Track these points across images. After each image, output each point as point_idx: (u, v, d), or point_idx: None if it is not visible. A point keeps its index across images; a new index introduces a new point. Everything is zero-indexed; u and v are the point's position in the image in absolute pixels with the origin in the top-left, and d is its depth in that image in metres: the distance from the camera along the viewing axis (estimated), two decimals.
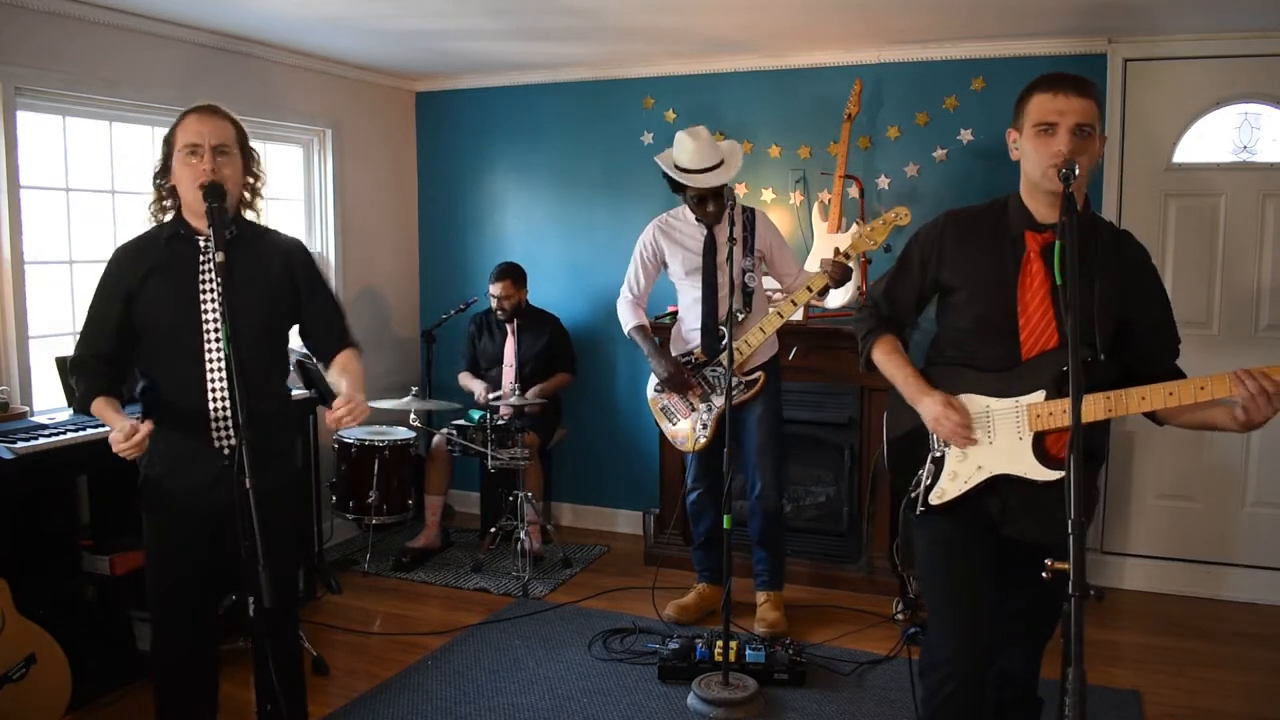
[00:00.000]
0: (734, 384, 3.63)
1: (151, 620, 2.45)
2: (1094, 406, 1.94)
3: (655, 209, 4.15)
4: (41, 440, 3.03)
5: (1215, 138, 4.10)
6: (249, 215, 2.44)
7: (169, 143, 2.31)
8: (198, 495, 2.31)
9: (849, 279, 3.48)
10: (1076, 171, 1.91)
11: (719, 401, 3.68)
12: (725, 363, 3.34)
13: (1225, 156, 4.09)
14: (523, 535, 4.35)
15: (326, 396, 3.42)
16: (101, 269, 2.37)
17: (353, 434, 4.47)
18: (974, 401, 2.13)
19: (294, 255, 2.48)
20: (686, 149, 3.62)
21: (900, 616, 3.85)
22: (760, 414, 3.73)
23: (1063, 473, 1.99)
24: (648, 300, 3.95)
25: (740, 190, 4.63)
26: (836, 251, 3.43)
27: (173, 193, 2.33)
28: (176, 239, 2.33)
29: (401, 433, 4.58)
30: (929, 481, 2.19)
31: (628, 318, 3.86)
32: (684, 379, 3.74)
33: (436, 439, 4.69)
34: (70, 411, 3.35)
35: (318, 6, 3.68)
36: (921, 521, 2.21)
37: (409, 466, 4.55)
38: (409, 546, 4.61)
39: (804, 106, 4.58)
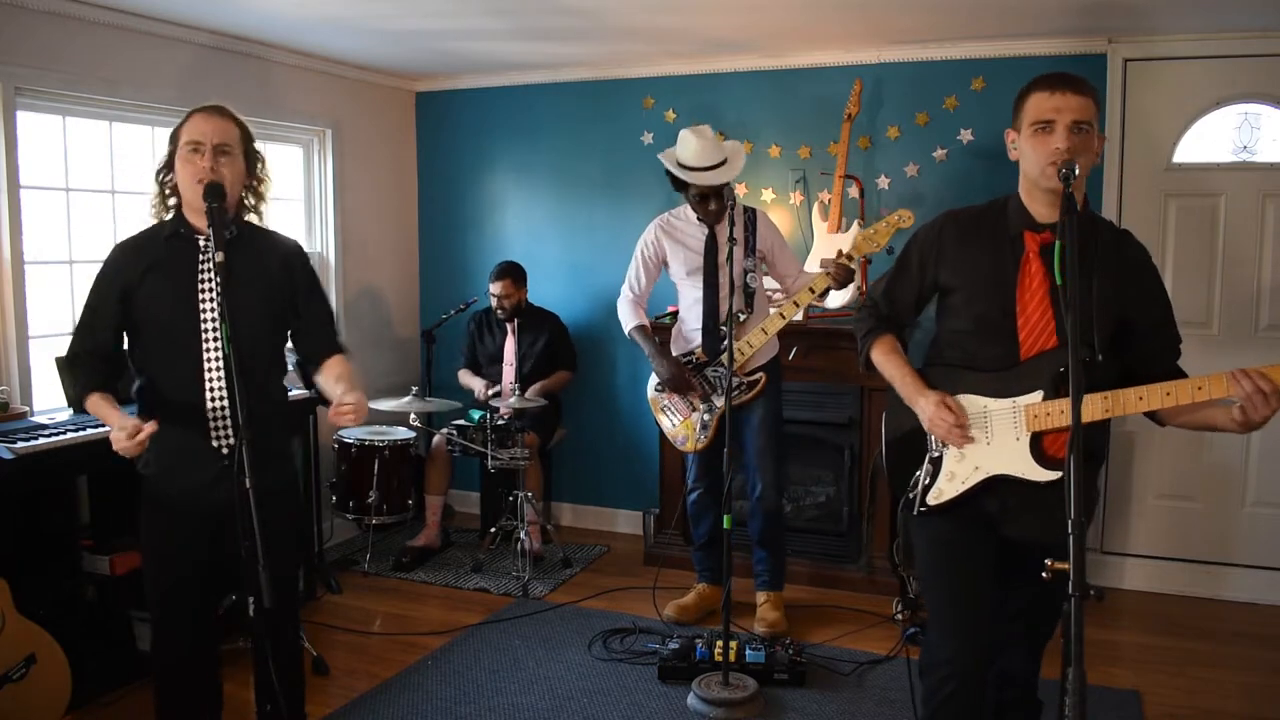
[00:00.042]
0: (735, 384, 3.63)
1: (151, 620, 2.45)
2: (1092, 407, 1.94)
3: (655, 209, 4.15)
4: (41, 440, 3.03)
5: (1215, 138, 4.10)
6: (252, 218, 2.45)
7: (174, 140, 2.32)
8: (198, 495, 2.31)
9: (851, 280, 3.48)
10: (1076, 171, 1.91)
11: (720, 402, 3.68)
12: (726, 363, 3.33)
13: (1225, 156, 4.09)
14: (523, 535, 4.35)
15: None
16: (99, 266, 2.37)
17: (353, 434, 4.47)
18: (972, 402, 2.13)
19: (293, 257, 2.49)
20: (690, 146, 3.62)
21: (900, 616, 3.85)
22: (761, 414, 3.73)
23: (1060, 473, 2.00)
24: (648, 300, 3.95)
25: (740, 190, 4.64)
26: (839, 253, 3.42)
27: (175, 190, 2.34)
28: (176, 238, 2.33)
29: (401, 433, 4.58)
30: (927, 481, 2.19)
31: (628, 318, 3.86)
32: (685, 380, 3.74)
33: (436, 439, 4.69)
34: (70, 411, 3.35)
35: (318, 6, 3.68)
36: (922, 522, 2.21)
37: (409, 466, 4.55)
38: (409, 545, 4.61)
39: (804, 106, 4.58)
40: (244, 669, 2.67)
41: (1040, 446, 2.05)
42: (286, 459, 2.57)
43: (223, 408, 2.30)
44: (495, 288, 4.71)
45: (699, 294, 3.74)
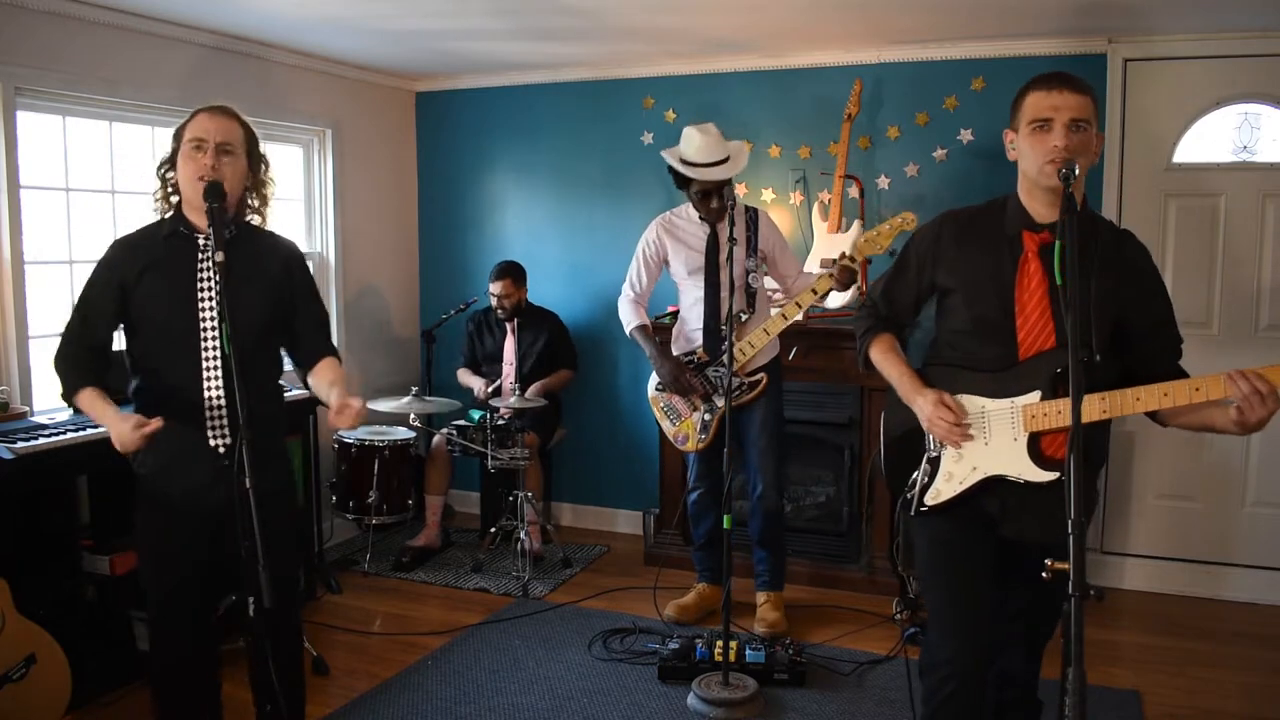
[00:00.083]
0: (737, 384, 3.64)
1: (150, 620, 2.44)
2: (1090, 408, 1.93)
3: (655, 209, 4.15)
4: (41, 440, 3.03)
5: (1215, 138, 4.10)
6: (255, 220, 2.45)
7: (178, 137, 2.33)
8: (197, 495, 2.30)
9: (854, 282, 3.49)
10: (1076, 171, 1.91)
11: (721, 402, 3.67)
12: (726, 363, 3.33)
13: (1225, 156, 4.09)
14: (523, 535, 4.35)
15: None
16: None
17: (353, 434, 4.47)
18: (970, 402, 2.13)
19: (292, 259, 2.50)
20: (694, 142, 3.63)
21: (900, 616, 3.84)
22: (762, 415, 3.73)
23: (1057, 474, 2.00)
24: (649, 300, 3.95)
25: (740, 190, 4.63)
26: (842, 255, 3.42)
27: (177, 187, 2.34)
28: (175, 236, 2.33)
29: (401, 433, 4.58)
30: (925, 481, 2.19)
31: (629, 317, 3.86)
32: (686, 382, 3.73)
33: (436, 439, 4.69)
34: (70, 411, 3.35)
35: (318, 6, 3.68)
36: (921, 522, 2.21)
37: (409, 466, 4.55)
38: (409, 545, 4.61)
39: (804, 106, 4.58)
40: (245, 669, 2.66)
41: (1038, 447, 2.05)
42: (284, 459, 2.58)
43: (220, 407, 2.30)
44: (495, 287, 4.71)
45: (700, 294, 3.74)
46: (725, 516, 3.23)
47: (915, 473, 2.22)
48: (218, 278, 2.13)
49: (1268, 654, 3.62)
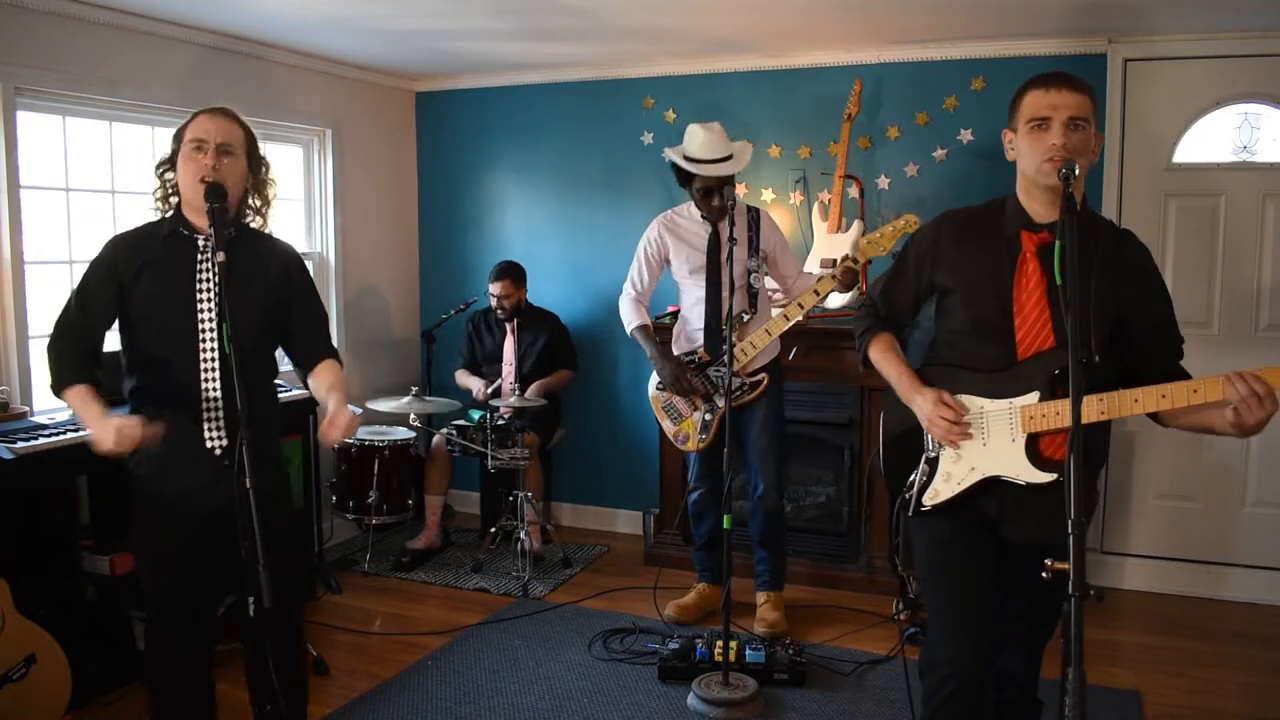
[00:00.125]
0: (738, 385, 3.64)
1: (148, 620, 2.43)
2: (1088, 409, 1.93)
3: (655, 209, 4.15)
4: (41, 440, 3.03)
5: (1215, 138, 4.10)
6: (256, 223, 2.45)
7: (178, 138, 2.33)
8: (195, 495, 2.30)
9: (856, 283, 3.49)
10: (1076, 171, 1.91)
11: (722, 402, 3.67)
12: (728, 364, 3.33)
13: (1225, 156, 4.09)
14: (523, 535, 4.35)
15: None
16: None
17: (353, 434, 4.47)
18: (968, 402, 2.13)
19: (291, 261, 2.50)
20: (698, 139, 3.63)
21: (900, 616, 3.84)
22: (763, 415, 3.73)
23: (1054, 475, 2.00)
24: (650, 299, 3.94)
25: (741, 190, 4.63)
26: (845, 257, 3.42)
27: (176, 188, 2.34)
28: (175, 236, 2.33)
29: (401, 433, 4.58)
30: (923, 481, 2.19)
31: (630, 317, 3.85)
32: (687, 382, 3.73)
33: (436, 439, 4.69)
34: (70, 412, 3.35)
35: (318, 6, 3.68)
36: (921, 522, 2.21)
37: (409, 466, 4.55)
38: (409, 548, 4.60)
39: (804, 106, 4.58)
40: (245, 669, 2.66)
41: (1036, 448, 2.05)
42: (279, 460, 2.58)
43: (218, 408, 2.30)
44: (495, 288, 4.71)
45: (702, 293, 3.74)
46: (725, 516, 3.23)
47: (913, 473, 2.22)
48: (218, 278, 2.13)
49: (1268, 654, 3.62)
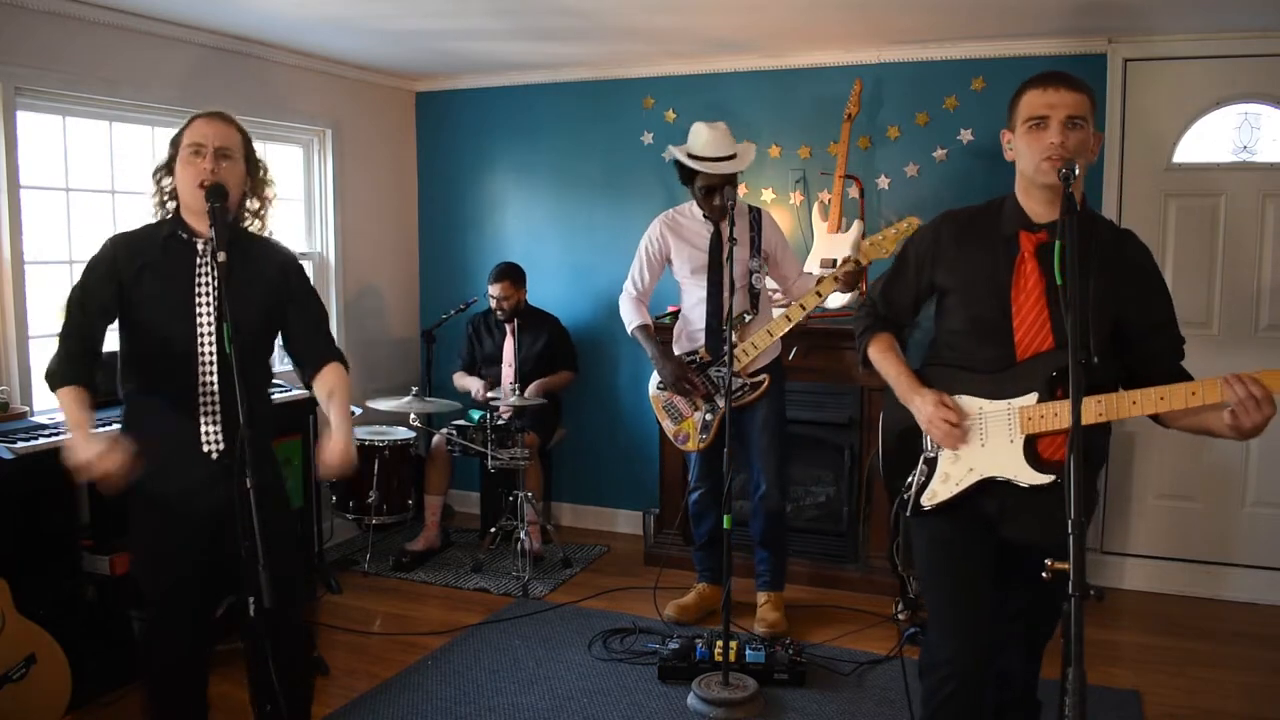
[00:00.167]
0: (739, 385, 3.64)
1: (147, 620, 2.43)
2: (1087, 410, 1.92)
3: (655, 209, 4.15)
4: (41, 440, 3.03)
5: (1215, 138, 4.10)
6: (254, 226, 2.45)
7: (175, 144, 2.33)
8: (193, 496, 2.30)
9: (858, 284, 3.49)
10: (1076, 171, 1.91)
11: (723, 402, 3.67)
12: (728, 364, 3.33)
13: (1225, 156, 4.09)
14: (523, 535, 4.35)
15: None
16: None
17: (353, 434, 4.47)
18: (967, 403, 2.12)
19: (289, 264, 2.50)
20: (702, 137, 3.63)
21: (900, 616, 3.84)
22: (765, 414, 3.73)
23: (1052, 477, 2.00)
24: (650, 298, 3.94)
25: (741, 190, 4.63)
26: (848, 259, 3.42)
27: (174, 194, 2.34)
28: (173, 239, 2.33)
29: (401, 433, 4.58)
30: (921, 482, 2.19)
31: (631, 316, 3.85)
32: (688, 384, 3.73)
33: (436, 439, 4.69)
34: None
35: (318, 6, 3.68)
36: (921, 522, 2.21)
37: (409, 466, 4.55)
38: (409, 549, 4.60)
39: (804, 106, 4.58)
40: (245, 669, 2.66)
41: (1034, 449, 2.05)
42: (274, 462, 2.58)
43: (215, 410, 2.30)
44: (494, 289, 4.71)
45: (703, 293, 3.74)
46: (725, 516, 3.23)
47: (912, 473, 2.22)
48: (218, 279, 2.13)
49: (1268, 654, 3.62)
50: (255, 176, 2.41)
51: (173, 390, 2.30)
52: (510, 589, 4.23)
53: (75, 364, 2.27)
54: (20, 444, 2.96)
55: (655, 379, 3.85)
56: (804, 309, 3.54)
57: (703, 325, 3.75)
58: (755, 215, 3.75)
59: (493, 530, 4.63)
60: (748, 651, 3.35)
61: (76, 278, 2.35)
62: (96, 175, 3.80)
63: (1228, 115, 4.07)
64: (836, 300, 4.14)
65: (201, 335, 2.29)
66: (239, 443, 2.07)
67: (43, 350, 3.50)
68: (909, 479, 2.22)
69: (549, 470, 5.07)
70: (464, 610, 4.02)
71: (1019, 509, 2.10)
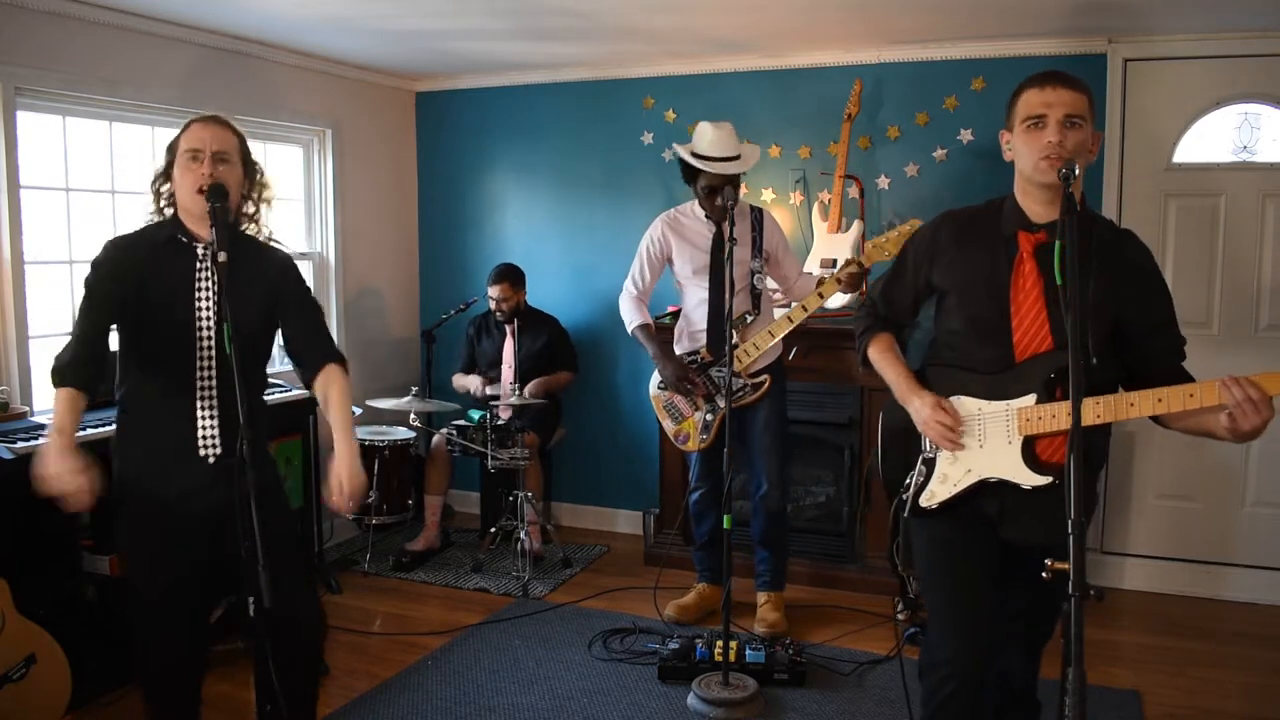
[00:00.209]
0: (741, 385, 3.64)
1: (141, 622, 2.41)
2: (1085, 412, 1.91)
3: (655, 209, 4.15)
4: (42, 440, 3.01)
5: (1215, 138, 4.10)
6: (251, 229, 2.45)
7: (171, 150, 2.33)
8: (192, 497, 2.30)
9: (861, 286, 3.49)
10: (1076, 171, 1.90)
11: (724, 402, 3.67)
12: (729, 364, 3.33)
13: (1225, 156, 4.09)
14: (523, 535, 4.35)
15: None
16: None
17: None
18: (965, 404, 2.12)
19: (287, 267, 2.50)
20: (707, 136, 3.63)
21: (900, 616, 3.84)
22: (766, 415, 3.73)
23: (1050, 478, 2.00)
24: (650, 298, 3.94)
25: (741, 190, 4.62)
26: (850, 261, 3.42)
27: (171, 200, 2.34)
28: (172, 243, 2.33)
29: (401, 433, 4.58)
30: (920, 482, 2.19)
31: (632, 316, 3.84)
32: (689, 384, 3.72)
33: (436, 439, 4.69)
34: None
35: (318, 6, 3.68)
36: (921, 522, 2.21)
37: (409, 466, 4.55)
38: (409, 549, 4.60)
39: (804, 106, 4.58)
40: (249, 669, 2.66)
41: (1033, 451, 2.05)
42: (270, 464, 2.58)
43: (213, 411, 2.30)
44: (493, 291, 4.71)
45: (704, 294, 3.73)
46: (725, 516, 3.23)
47: (911, 473, 2.22)
48: (217, 280, 2.13)
49: (1268, 654, 3.62)
50: (252, 179, 2.41)
51: (172, 390, 2.30)
52: (510, 589, 4.23)
53: (77, 366, 2.27)
54: (20, 444, 2.96)
55: (656, 378, 3.85)
56: (805, 310, 3.54)
57: (704, 325, 3.75)
58: (757, 215, 3.75)
59: (493, 530, 4.63)
60: (748, 651, 3.35)
61: (76, 278, 2.35)
62: (96, 175, 3.80)
63: (1228, 115, 4.07)
64: (837, 300, 4.14)
65: (201, 337, 2.29)
66: (239, 443, 2.07)
67: (43, 350, 3.50)
68: (908, 479, 2.22)
69: (549, 470, 5.07)
70: (464, 610, 4.02)
71: (1019, 510, 2.09)
